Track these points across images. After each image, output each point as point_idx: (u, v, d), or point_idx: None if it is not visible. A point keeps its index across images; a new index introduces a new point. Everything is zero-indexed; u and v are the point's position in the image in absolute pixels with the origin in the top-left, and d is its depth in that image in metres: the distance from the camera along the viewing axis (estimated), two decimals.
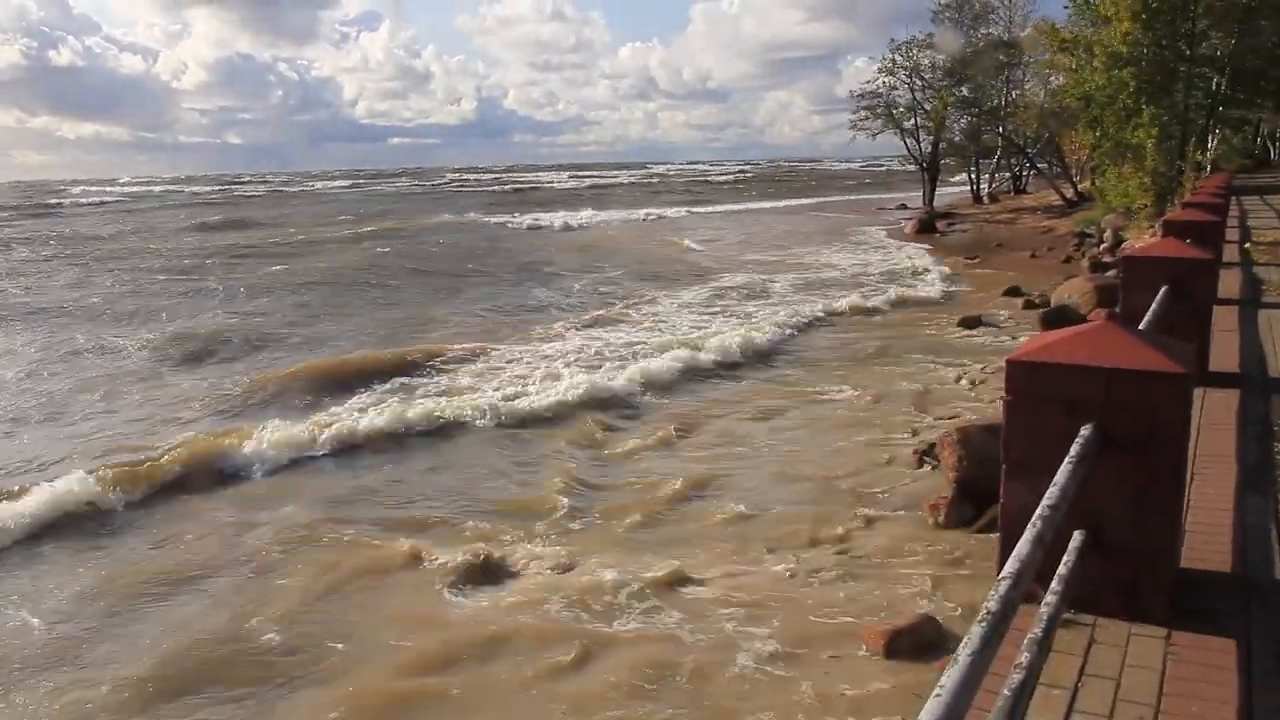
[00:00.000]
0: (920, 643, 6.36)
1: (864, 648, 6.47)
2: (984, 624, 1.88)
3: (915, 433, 11.18)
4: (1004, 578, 2.09)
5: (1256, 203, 24.93)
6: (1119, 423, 3.23)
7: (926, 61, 52.12)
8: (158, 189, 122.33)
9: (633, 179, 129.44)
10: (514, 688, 6.29)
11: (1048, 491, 2.60)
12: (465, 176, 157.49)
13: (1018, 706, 2.29)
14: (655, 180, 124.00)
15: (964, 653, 1.79)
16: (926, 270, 27.85)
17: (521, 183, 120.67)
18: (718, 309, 21.80)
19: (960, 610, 6.74)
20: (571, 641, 6.76)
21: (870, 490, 9.52)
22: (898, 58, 52.00)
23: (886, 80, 52.92)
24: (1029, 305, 20.21)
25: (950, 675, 1.70)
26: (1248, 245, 14.97)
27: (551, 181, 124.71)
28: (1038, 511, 2.47)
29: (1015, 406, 3.39)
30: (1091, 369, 3.25)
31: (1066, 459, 2.84)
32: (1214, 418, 5.68)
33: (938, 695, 1.65)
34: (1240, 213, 21.51)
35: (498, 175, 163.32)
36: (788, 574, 7.76)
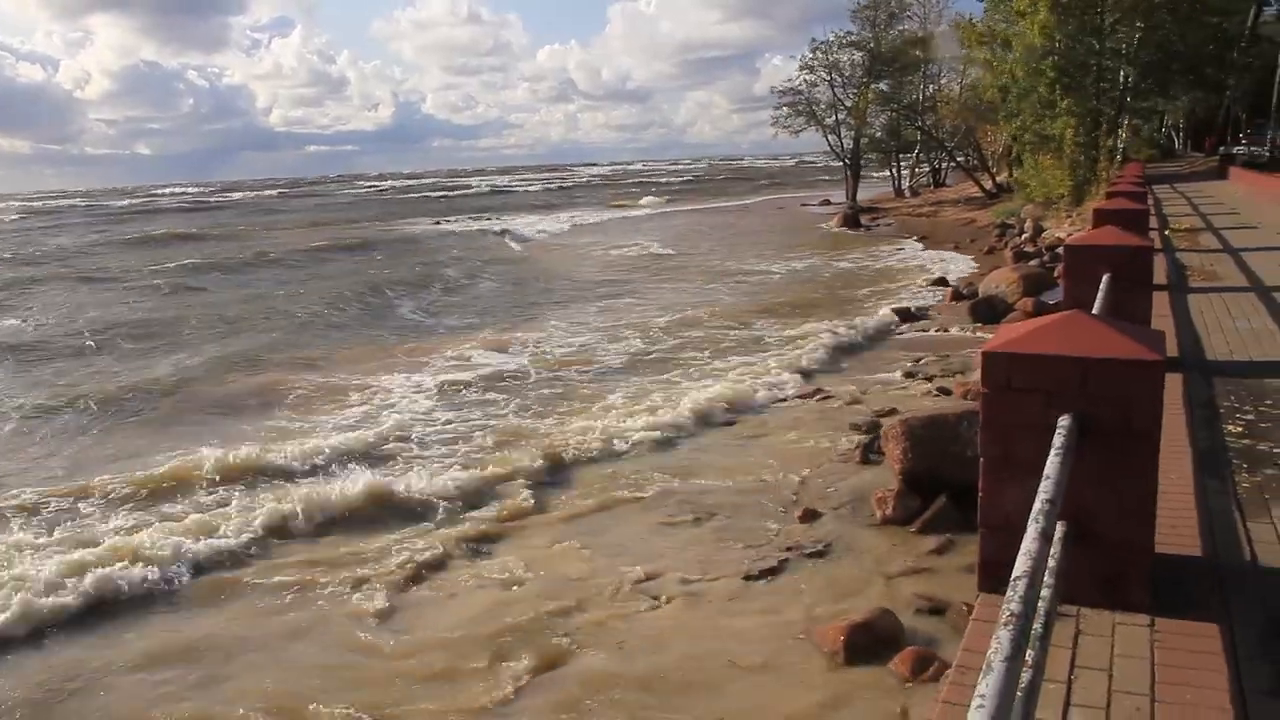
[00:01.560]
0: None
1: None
2: (1011, 627, 1.83)
3: (858, 428, 11.22)
4: (1020, 576, 2.04)
5: (1168, 191, 25.76)
6: (1097, 412, 3.22)
7: (845, 59, 52.94)
8: (70, 203, 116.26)
9: (547, 181, 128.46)
10: None
11: (1041, 485, 2.57)
12: (405, 182, 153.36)
13: (1030, 706, 2.25)
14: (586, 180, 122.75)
15: (997, 658, 1.73)
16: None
17: (455, 188, 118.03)
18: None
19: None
20: None
21: (817, 487, 9.53)
22: (818, 55, 52.72)
23: (807, 78, 53.65)
24: (957, 296, 20.57)
25: (989, 682, 1.64)
26: (1167, 231, 15.42)
27: (478, 186, 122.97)
28: (1037, 506, 2.44)
29: (993, 399, 3.37)
30: (1070, 359, 3.24)
31: (1053, 451, 2.82)
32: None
33: (980, 706, 1.59)
34: (1155, 201, 22.19)
35: (424, 181, 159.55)
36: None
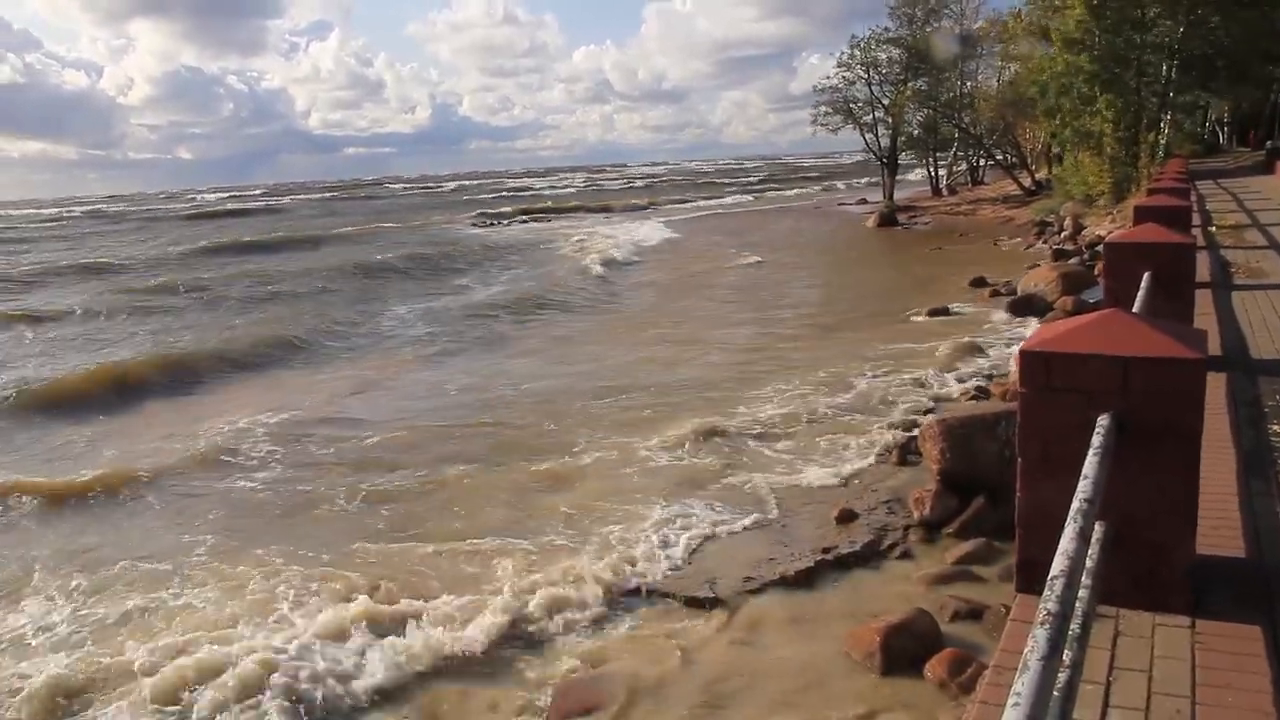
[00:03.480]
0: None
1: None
2: (1048, 626, 1.82)
3: (896, 427, 11.17)
4: (1057, 576, 2.03)
5: (1212, 187, 25.33)
6: (1137, 412, 3.19)
7: (884, 56, 52.58)
8: (118, 208, 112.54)
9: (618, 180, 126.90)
10: None
11: (1080, 485, 2.55)
12: (459, 183, 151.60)
13: (1068, 707, 2.24)
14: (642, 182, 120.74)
15: (1033, 657, 1.72)
16: None
17: (517, 189, 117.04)
18: None
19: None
20: None
21: (855, 486, 9.50)
22: (856, 53, 52.42)
23: (845, 76, 53.36)
24: (995, 294, 20.37)
25: (1024, 681, 1.64)
26: (1211, 228, 15.17)
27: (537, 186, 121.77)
28: (1075, 506, 2.42)
29: (1031, 399, 3.34)
30: (1110, 358, 3.21)
31: (1092, 451, 2.79)
32: (1206, 402, 5.69)
33: (1015, 704, 1.59)
34: (1198, 197, 21.84)
35: (477, 182, 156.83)
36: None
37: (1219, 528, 3.87)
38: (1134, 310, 5.39)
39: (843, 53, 53.29)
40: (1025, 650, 1.76)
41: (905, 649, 6.13)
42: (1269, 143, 36.88)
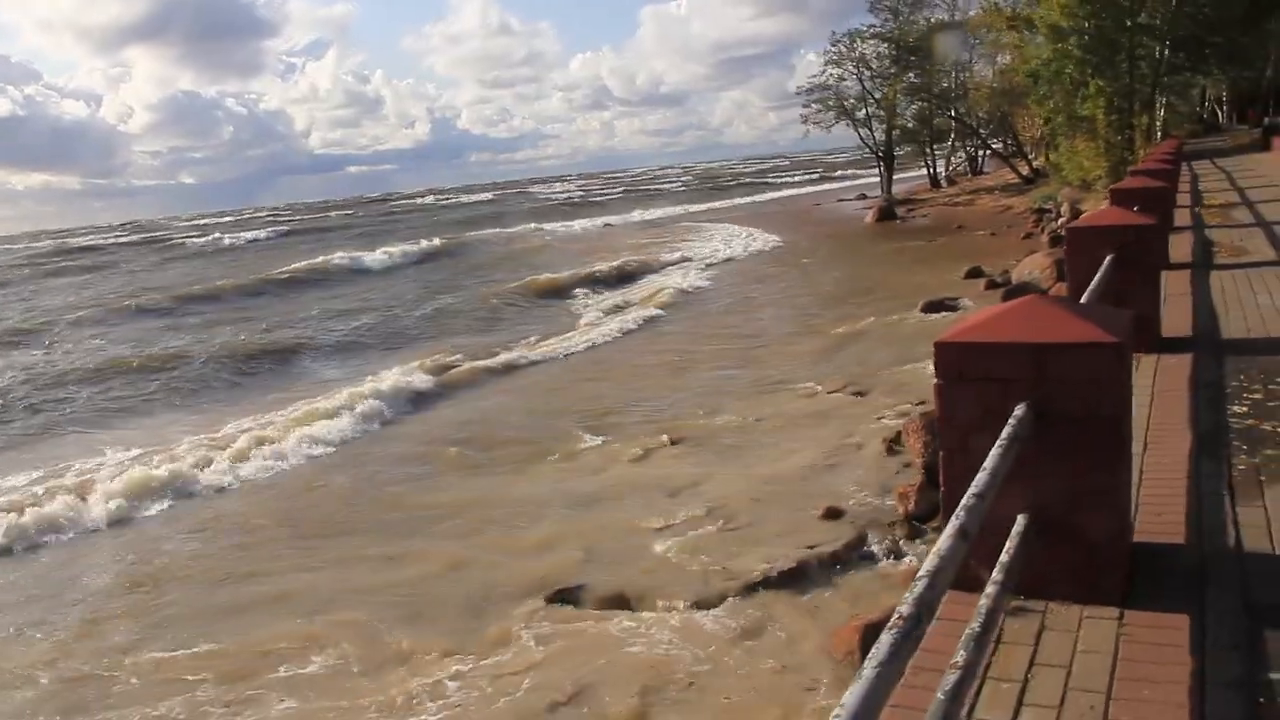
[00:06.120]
0: None
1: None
2: (895, 631, 1.74)
3: (884, 420, 11.09)
4: (921, 577, 1.95)
5: (1207, 166, 25.14)
6: (1054, 399, 3.11)
7: (871, 51, 52.38)
8: (123, 239, 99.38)
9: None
10: None
11: (976, 479, 2.48)
12: (480, 196, 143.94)
13: (953, 710, 2.16)
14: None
15: (869, 665, 1.65)
16: None
17: (543, 195, 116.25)
18: None
19: None
20: None
21: (842, 481, 9.42)
22: (842, 49, 52.28)
23: (834, 72, 53.20)
24: (991, 285, 20.20)
25: (853, 693, 1.56)
26: (1198, 208, 15.03)
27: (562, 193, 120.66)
28: (962, 501, 2.35)
29: (947, 390, 3.27)
30: (1022, 345, 3.13)
31: (997, 443, 2.72)
32: (1167, 384, 5.60)
33: (837, 716, 1.51)
34: (1191, 177, 21.66)
35: (501, 194, 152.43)
36: None
37: (1162, 514, 3.79)
38: (1088, 293, 5.31)
39: (828, 50, 53.22)
40: (867, 657, 1.69)
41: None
42: (1266, 120, 36.60)
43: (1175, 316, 7.25)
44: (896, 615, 1.80)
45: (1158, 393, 5.44)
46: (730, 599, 7.30)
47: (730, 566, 7.86)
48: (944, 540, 2.13)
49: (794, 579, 7.55)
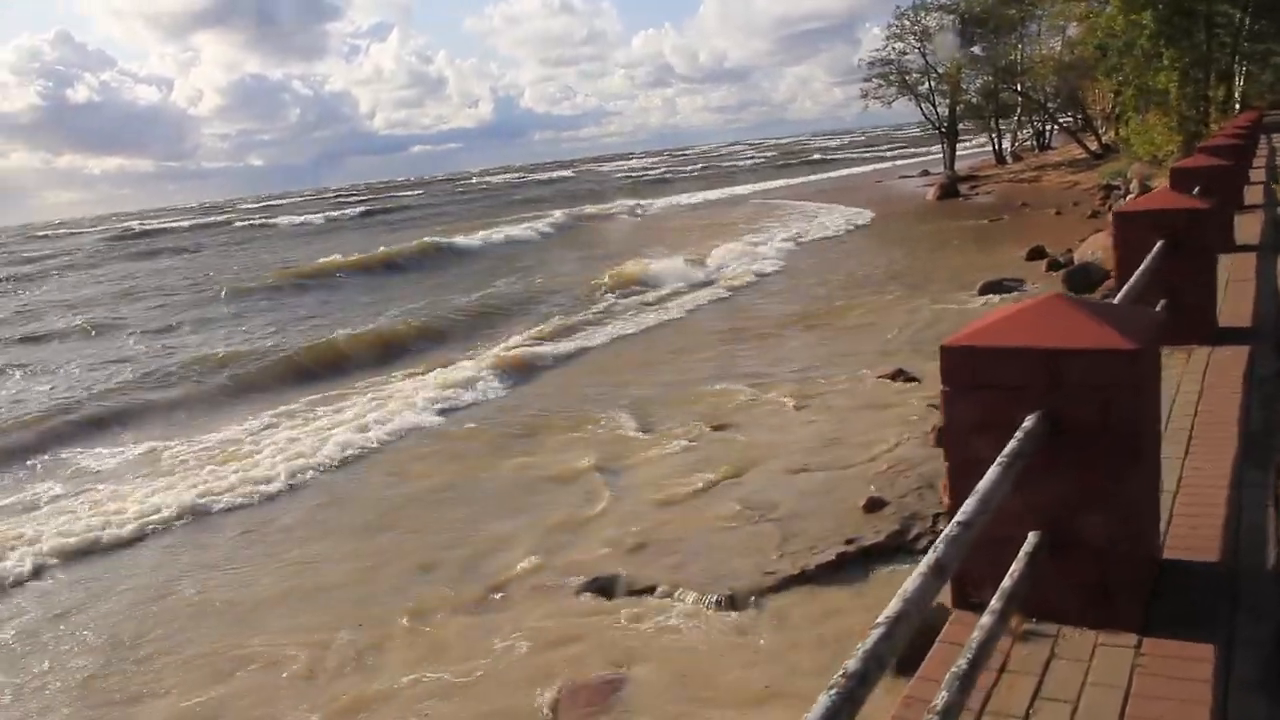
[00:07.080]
0: None
1: None
2: (834, 692, 1.53)
3: (936, 407, 10.77)
4: (877, 625, 1.72)
5: None
6: (1068, 408, 2.87)
7: (934, 24, 51.10)
8: (215, 219, 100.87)
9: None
10: None
11: (964, 504, 2.25)
12: (559, 174, 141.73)
13: None
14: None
15: (813, 712, 1.45)
16: None
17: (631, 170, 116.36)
18: None
19: None
20: None
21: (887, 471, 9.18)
22: (905, 23, 51.09)
23: (896, 46, 52.04)
24: (1053, 266, 19.56)
25: None
26: (1274, 185, 14.28)
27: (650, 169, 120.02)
28: (945, 531, 2.13)
29: (955, 399, 3.04)
30: (1033, 350, 2.89)
31: (995, 462, 2.49)
32: (1217, 379, 5.26)
33: None
34: (1269, 150, 20.67)
35: (578, 170, 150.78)
36: None
37: (1199, 528, 3.51)
38: (1132, 281, 4.98)
39: (891, 24, 52.03)
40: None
41: (919, 645, 5.89)
42: None
43: (1235, 304, 6.83)
44: (841, 672, 1.59)
45: (1207, 389, 5.10)
46: (767, 591, 7.18)
47: (768, 558, 7.70)
48: (913, 580, 1.89)
49: (833, 571, 7.42)
